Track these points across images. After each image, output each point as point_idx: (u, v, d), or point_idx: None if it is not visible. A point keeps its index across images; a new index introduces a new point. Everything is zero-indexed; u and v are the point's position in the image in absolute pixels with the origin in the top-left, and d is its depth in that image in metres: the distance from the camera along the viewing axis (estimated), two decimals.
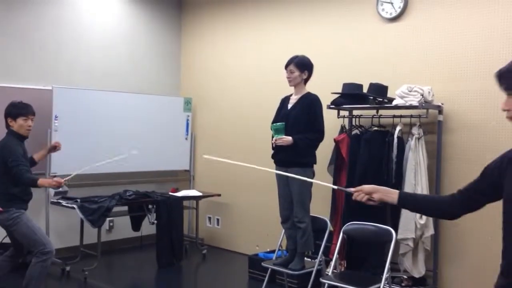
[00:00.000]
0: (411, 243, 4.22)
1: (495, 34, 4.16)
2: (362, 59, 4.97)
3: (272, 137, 4.16)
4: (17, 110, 4.03)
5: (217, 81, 6.42)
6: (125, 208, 5.59)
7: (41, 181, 3.87)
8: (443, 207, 2.06)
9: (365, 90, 4.57)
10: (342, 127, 4.82)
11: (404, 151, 4.33)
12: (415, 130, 4.30)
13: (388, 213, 4.37)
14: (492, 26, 4.17)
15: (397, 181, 4.29)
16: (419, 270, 4.29)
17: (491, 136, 4.17)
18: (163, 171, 6.46)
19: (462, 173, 4.30)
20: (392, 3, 4.71)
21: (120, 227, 6.09)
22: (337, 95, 4.66)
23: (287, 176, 4.15)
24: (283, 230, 4.34)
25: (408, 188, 4.23)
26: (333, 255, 4.04)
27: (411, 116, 4.34)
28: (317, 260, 4.16)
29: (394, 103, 4.35)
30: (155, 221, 5.50)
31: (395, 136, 4.33)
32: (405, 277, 4.36)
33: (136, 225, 5.79)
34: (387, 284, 3.65)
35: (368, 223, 3.79)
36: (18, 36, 5.38)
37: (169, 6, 6.71)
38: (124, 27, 6.27)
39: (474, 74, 4.26)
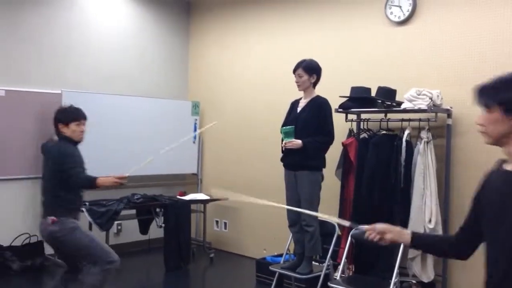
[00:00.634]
0: None
1: (503, 38, 4.14)
2: (370, 62, 4.96)
3: (282, 140, 4.16)
4: (69, 114, 3.71)
5: (225, 85, 6.43)
6: (133, 211, 5.60)
7: (100, 180, 3.54)
8: (453, 249, 2.05)
9: (373, 93, 4.56)
10: (350, 131, 4.81)
11: (413, 155, 4.30)
12: (423, 134, 4.28)
13: (397, 217, 4.34)
14: (500, 30, 4.15)
15: (405, 185, 4.27)
16: (428, 275, 4.25)
17: None
18: (171, 175, 6.47)
19: (471, 177, 4.26)
20: (400, 7, 4.70)
21: (128, 230, 6.10)
22: (345, 99, 4.65)
23: (296, 180, 4.16)
24: (291, 234, 4.33)
25: (416, 192, 4.20)
26: (341, 259, 4.03)
27: (420, 120, 4.32)
28: (325, 264, 4.15)
29: (402, 106, 4.34)
30: (163, 225, 5.51)
31: (404, 140, 4.31)
32: (414, 281, 4.33)
33: (144, 229, 5.80)
34: None
35: None
36: (28, 40, 5.42)
37: (177, 9, 6.74)
38: (132, 31, 6.30)
39: (482, 78, 4.22)
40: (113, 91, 5.90)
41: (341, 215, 4.70)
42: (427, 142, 4.25)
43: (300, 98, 4.32)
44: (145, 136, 5.94)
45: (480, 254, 4.44)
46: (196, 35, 6.80)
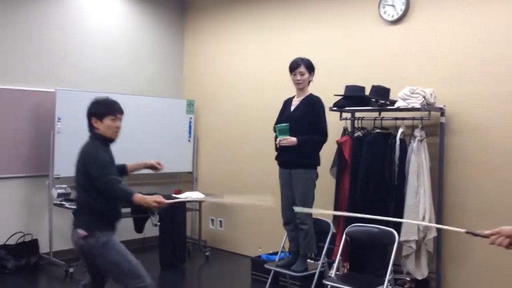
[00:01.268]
0: (414, 245, 4.21)
1: (496, 36, 4.16)
2: (364, 61, 4.98)
3: (275, 138, 4.17)
4: (104, 108, 3.23)
5: (220, 83, 6.43)
6: (128, 210, 5.60)
7: (139, 197, 3.08)
8: None
9: (367, 92, 4.58)
10: (345, 129, 4.83)
11: (407, 153, 4.33)
12: (417, 132, 4.30)
13: (391, 215, 4.37)
14: (494, 28, 4.18)
15: (399, 183, 4.30)
16: (422, 272, 4.28)
17: (493, 138, 4.17)
18: (166, 173, 6.44)
19: (465, 175, 4.31)
20: (394, 6, 4.72)
21: (123, 228, 6.03)
22: (339, 97, 4.66)
23: (290, 178, 4.17)
24: (286, 232, 4.35)
25: (410, 190, 4.23)
26: (336, 257, 4.05)
27: (414, 118, 4.35)
28: (320, 262, 4.17)
29: (396, 105, 4.36)
30: (158, 223, 5.51)
31: (398, 138, 4.33)
32: (408, 279, 4.36)
33: (139, 227, 5.80)
34: (390, 286, 3.66)
35: (371, 225, 3.80)
36: (22, 38, 5.40)
37: (172, 8, 6.74)
38: (127, 29, 6.30)
39: (476, 76, 4.27)
40: (108, 90, 5.85)
41: None
42: (421, 141, 4.28)
43: (293, 97, 4.32)
44: (140, 134, 5.93)
45: (473, 251, 4.47)
46: (191, 33, 6.80)
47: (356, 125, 4.80)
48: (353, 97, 4.59)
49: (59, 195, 5.19)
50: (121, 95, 5.87)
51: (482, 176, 4.23)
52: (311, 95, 4.23)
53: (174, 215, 5.53)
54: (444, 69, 4.45)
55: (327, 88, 4.67)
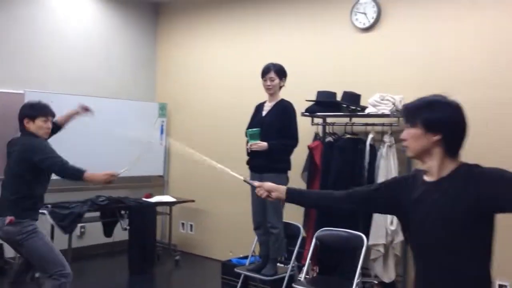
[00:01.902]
0: (382, 249, 4.28)
1: (466, 44, 4.28)
2: (336, 67, 5.05)
3: (247, 143, 4.18)
4: (36, 110, 3.53)
5: (193, 87, 6.42)
6: (97, 213, 5.52)
7: (90, 174, 3.34)
8: (339, 202, 2.16)
9: (338, 98, 4.65)
10: (316, 135, 4.88)
11: (376, 159, 4.41)
12: (386, 138, 4.39)
13: (360, 219, 4.43)
14: (463, 36, 4.29)
15: None
16: (389, 275, 4.35)
17: None
18: (137, 177, 6.41)
19: None
20: (365, 14, 4.81)
21: (92, 233, 6.00)
22: (311, 103, 4.71)
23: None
24: (256, 236, 4.36)
25: None
26: (305, 260, 4.08)
27: (383, 125, 4.43)
28: (289, 266, 4.20)
29: (366, 111, 4.43)
30: (128, 227, 5.46)
31: (367, 143, 4.41)
32: (375, 282, 4.42)
33: (108, 231, 5.71)
34: None
35: (340, 229, 3.85)
36: None
37: (145, 11, 6.70)
38: (99, 32, 6.23)
39: (445, 83, 4.37)
40: (78, 92, 5.80)
41: (306, 218, 4.76)
42: (390, 146, 4.36)
43: (265, 102, 4.35)
44: (111, 137, 5.86)
45: None
46: (163, 36, 6.77)
47: (327, 130, 4.85)
48: (324, 103, 4.65)
49: None
50: (92, 98, 5.83)
51: None
52: (282, 100, 4.26)
53: (144, 219, 5.49)
54: (414, 76, 4.54)
55: (299, 93, 4.71)
